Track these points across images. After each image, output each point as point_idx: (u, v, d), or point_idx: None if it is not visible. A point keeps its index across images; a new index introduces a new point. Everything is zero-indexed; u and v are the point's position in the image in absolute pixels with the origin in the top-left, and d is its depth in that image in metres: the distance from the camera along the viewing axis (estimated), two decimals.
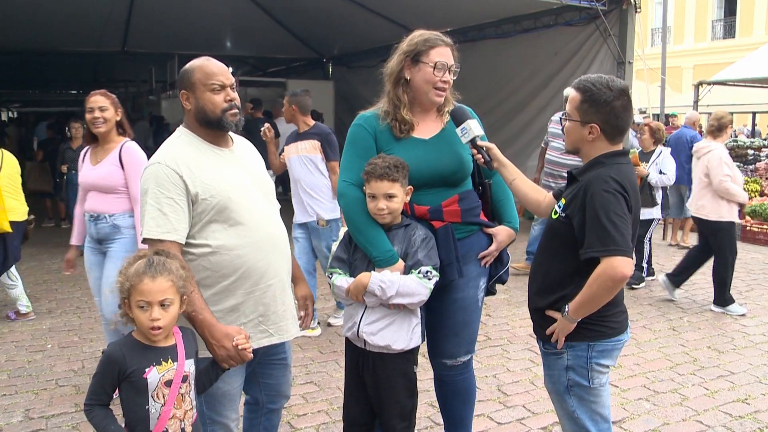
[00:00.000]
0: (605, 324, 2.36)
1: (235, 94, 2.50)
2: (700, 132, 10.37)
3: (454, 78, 2.78)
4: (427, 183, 2.69)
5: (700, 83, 13.48)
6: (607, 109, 2.30)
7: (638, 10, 9.29)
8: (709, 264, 6.71)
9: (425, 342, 2.91)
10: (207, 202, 2.36)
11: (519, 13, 10.40)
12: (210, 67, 2.45)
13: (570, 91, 2.38)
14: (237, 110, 2.50)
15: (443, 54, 2.71)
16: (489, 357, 4.76)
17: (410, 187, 2.64)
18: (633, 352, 4.86)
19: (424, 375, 3.77)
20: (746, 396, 4.12)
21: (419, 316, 2.70)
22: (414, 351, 2.72)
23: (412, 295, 2.56)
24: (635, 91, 10.71)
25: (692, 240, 8.88)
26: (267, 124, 5.41)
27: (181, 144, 2.46)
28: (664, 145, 7.81)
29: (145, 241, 2.35)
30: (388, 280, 2.53)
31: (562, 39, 10.02)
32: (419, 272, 2.57)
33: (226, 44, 16.62)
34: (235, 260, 2.40)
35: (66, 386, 4.26)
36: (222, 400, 2.49)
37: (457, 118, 2.67)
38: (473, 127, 2.61)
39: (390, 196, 2.58)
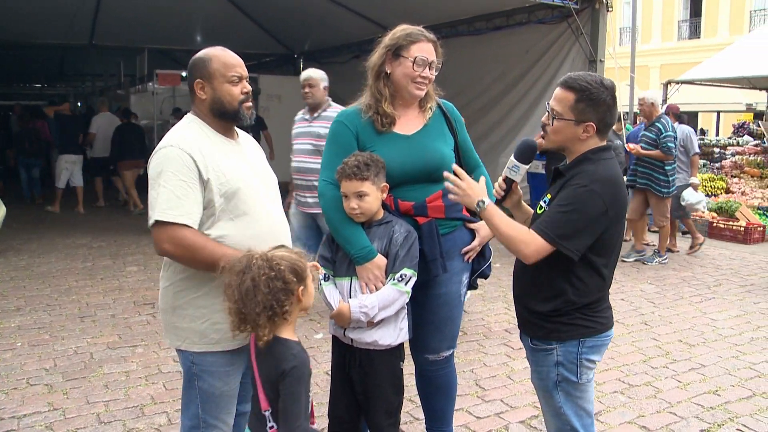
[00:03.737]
0: (595, 319, 2.38)
1: (249, 87, 2.49)
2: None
3: (436, 74, 2.78)
4: (411, 179, 2.70)
5: (669, 82, 13.71)
6: (604, 108, 2.30)
7: (610, 9, 9.40)
8: (680, 260, 6.87)
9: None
10: (218, 189, 2.33)
11: (492, 11, 10.45)
12: (229, 58, 2.43)
13: (558, 91, 2.36)
14: (251, 103, 2.49)
15: (424, 49, 2.71)
16: (466, 352, 4.79)
17: (385, 184, 2.64)
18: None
19: (408, 367, 3.77)
20: (717, 387, 4.21)
21: (406, 310, 2.70)
22: (401, 347, 2.73)
23: (392, 304, 2.59)
24: None
25: (681, 243, 8.97)
26: None
27: (192, 130, 2.42)
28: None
29: (156, 224, 2.28)
30: (368, 304, 2.55)
31: (533, 37, 10.08)
32: (394, 279, 2.59)
33: (197, 38, 16.41)
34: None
35: (38, 385, 4.18)
36: (219, 401, 2.45)
37: (522, 153, 2.47)
38: (521, 172, 2.49)
39: (361, 195, 2.58)
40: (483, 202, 2.33)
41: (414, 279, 2.61)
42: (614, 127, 9.97)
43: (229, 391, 2.49)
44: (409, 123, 2.80)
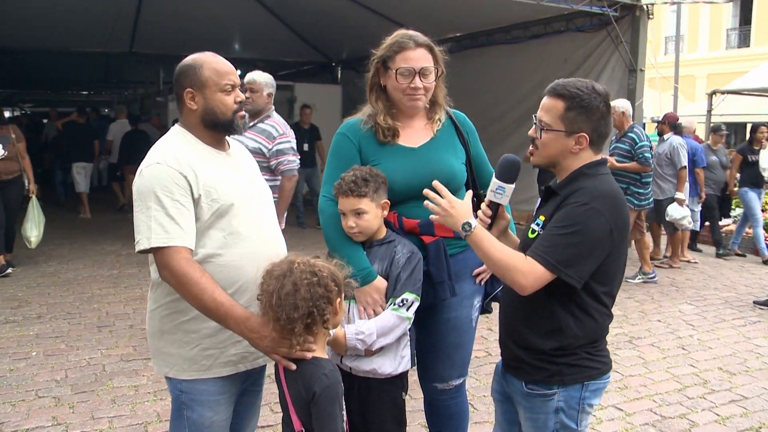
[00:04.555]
0: (600, 359, 2.13)
1: (243, 95, 2.33)
2: (698, 140, 10.10)
3: (435, 80, 2.56)
4: (416, 195, 2.46)
5: (714, 92, 13.22)
6: (597, 116, 2.05)
7: (650, 16, 9.08)
8: (721, 279, 6.52)
9: (417, 362, 2.73)
10: (208, 206, 2.17)
11: (529, 19, 10.23)
12: (221, 65, 2.27)
13: (545, 100, 2.12)
14: (245, 112, 2.34)
15: (410, 58, 2.50)
16: (489, 375, 4.55)
17: (386, 201, 2.45)
18: (640, 372, 4.64)
19: (418, 392, 3.57)
20: (760, 424, 3.89)
21: (409, 337, 2.50)
22: (403, 376, 2.53)
23: (392, 331, 2.39)
24: (647, 100, 10.51)
25: (691, 254, 8.69)
26: None
27: (179, 144, 2.26)
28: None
29: (150, 251, 2.12)
30: (365, 331, 2.36)
31: (572, 45, 9.82)
32: (394, 304, 2.40)
33: (235, 46, 16.51)
34: (232, 272, 2.20)
35: (46, 397, 4.09)
36: None
37: (505, 172, 2.20)
38: (507, 194, 2.20)
39: (359, 213, 2.40)
40: (469, 224, 2.04)
41: (416, 304, 2.41)
42: (709, 142, 9.66)
43: (221, 422, 2.32)
44: (415, 134, 2.61)
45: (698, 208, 8.87)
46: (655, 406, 4.09)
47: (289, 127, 4.78)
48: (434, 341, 2.68)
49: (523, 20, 10.35)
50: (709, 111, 12.80)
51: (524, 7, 8.91)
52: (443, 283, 2.53)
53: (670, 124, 8.17)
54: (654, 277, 7.44)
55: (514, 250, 2.05)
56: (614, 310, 5.60)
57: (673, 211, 7.75)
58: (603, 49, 9.45)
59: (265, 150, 4.57)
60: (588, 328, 2.07)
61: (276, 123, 4.66)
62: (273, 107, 4.82)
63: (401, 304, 2.37)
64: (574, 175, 2.10)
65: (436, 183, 2.13)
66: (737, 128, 20.91)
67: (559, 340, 2.07)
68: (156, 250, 2.11)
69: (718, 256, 9.01)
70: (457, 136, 2.68)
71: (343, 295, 2.06)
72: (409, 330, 2.48)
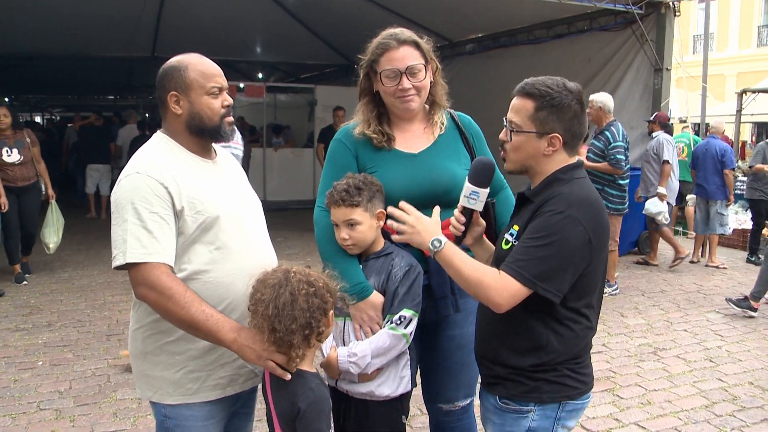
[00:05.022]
0: (582, 378, 1.97)
1: (230, 99, 2.18)
2: (727, 141, 9.79)
3: (426, 77, 2.38)
4: (417, 203, 2.28)
5: (744, 91, 12.85)
6: (570, 115, 1.91)
7: (677, 14, 8.81)
8: (752, 286, 6.23)
9: (419, 384, 2.56)
10: (193, 219, 2.02)
11: (552, 18, 10.04)
12: (208, 67, 2.13)
13: (514, 100, 1.97)
14: (232, 117, 2.20)
15: (393, 58, 2.34)
16: None
17: (381, 211, 2.29)
18: (664, 386, 4.41)
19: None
20: None
21: (408, 356, 2.33)
22: (402, 398, 2.35)
23: (388, 352, 2.23)
24: (673, 99, 10.21)
25: (721, 258, 8.42)
26: None
27: (161, 152, 2.11)
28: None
29: (130, 266, 1.96)
30: (358, 352, 2.20)
31: (596, 45, 9.60)
32: (390, 322, 2.23)
33: (257, 50, 16.52)
34: (220, 289, 2.05)
35: (47, 410, 3.98)
36: None
37: (478, 175, 2.07)
38: (481, 198, 2.08)
39: (352, 224, 2.24)
40: (439, 241, 1.93)
41: (415, 321, 2.24)
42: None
43: None
44: (414, 139, 2.44)
45: (727, 212, 8.55)
46: (681, 424, 3.86)
47: (234, 130, 4.53)
48: (438, 360, 2.51)
49: (545, 20, 10.19)
50: (739, 111, 12.46)
51: (547, 7, 8.73)
52: (446, 298, 2.36)
53: (660, 123, 8.17)
54: (616, 290, 6.91)
55: (487, 266, 1.92)
56: (638, 318, 5.37)
57: (651, 206, 7.64)
58: (627, 49, 9.23)
59: None
60: (569, 343, 1.92)
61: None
62: None
63: (399, 322, 2.21)
64: (548, 181, 1.95)
65: (402, 203, 2.04)
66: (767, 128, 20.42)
67: (539, 356, 1.92)
68: (132, 266, 1.96)
69: (748, 261, 8.69)
70: (462, 141, 2.51)
71: (331, 309, 1.96)
72: (410, 349, 2.31)
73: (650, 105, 9.11)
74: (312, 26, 13.51)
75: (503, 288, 1.82)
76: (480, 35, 11.87)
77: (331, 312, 1.94)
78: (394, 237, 2.03)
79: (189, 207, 2.03)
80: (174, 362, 2.09)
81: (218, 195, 2.11)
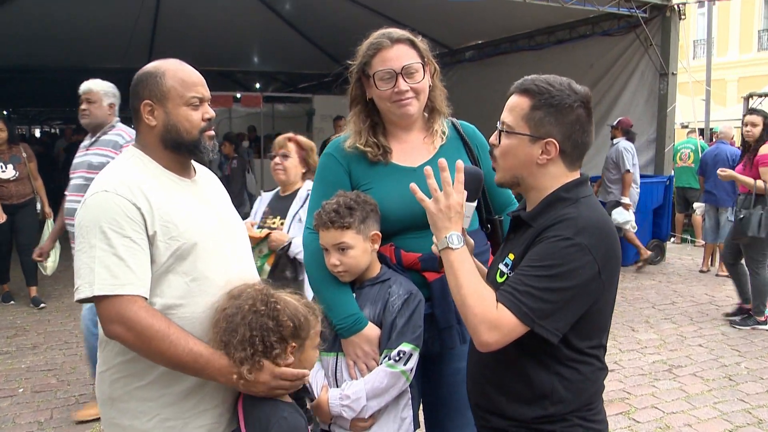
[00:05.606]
0: (594, 427, 1.69)
1: (212, 112, 1.94)
2: (735, 146, 9.54)
3: (424, 79, 2.14)
4: (417, 224, 2.05)
5: (750, 95, 12.60)
6: (571, 118, 1.62)
7: (682, 17, 8.59)
8: None
9: (423, 420, 2.32)
10: (166, 245, 1.78)
11: (554, 24, 9.84)
12: (188, 74, 1.90)
13: (510, 98, 1.70)
14: (213, 132, 1.95)
15: (387, 58, 2.11)
16: None
17: (376, 233, 2.05)
18: (682, 408, 4.15)
19: None
20: None
21: (410, 395, 2.08)
22: None
23: (386, 392, 1.99)
24: (678, 105, 9.98)
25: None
26: None
27: (132, 168, 1.87)
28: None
29: (97, 299, 1.72)
30: (352, 394, 1.97)
31: (598, 50, 9.39)
32: (388, 358, 1.98)
33: (254, 60, 16.35)
34: (196, 326, 1.81)
35: None
36: None
37: (466, 186, 1.77)
38: (467, 213, 1.80)
39: (343, 248, 2.00)
40: (458, 237, 1.64)
41: (416, 357, 2.00)
42: None
43: None
44: (413, 151, 2.19)
45: None
46: None
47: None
48: (443, 396, 2.26)
49: (547, 25, 9.98)
50: (745, 115, 12.20)
51: (548, 12, 8.53)
52: (451, 328, 2.12)
53: (622, 129, 8.10)
54: None
55: (490, 290, 1.61)
56: (650, 333, 5.05)
57: (617, 216, 7.68)
58: (632, 53, 9.03)
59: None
60: (578, 388, 1.64)
61: (123, 131, 3.99)
62: (118, 119, 4.15)
63: (397, 358, 1.96)
64: (549, 201, 1.66)
65: (458, 163, 1.71)
66: None
67: (544, 407, 1.64)
68: (100, 300, 1.72)
69: None
70: (465, 152, 2.26)
71: (309, 345, 1.77)
72: (411, 386, 2.06)
73: (656, 110, 8.88)
74: (309, 35, 13.34)
75: (497, 324, 1.54)
76: (480, 42, 11.67)
77: (293, 344, 1.73)
78: (418, 196, 1.72)
79: (162, 232, 1.79)
80: (145, 410, 1.83)
81: (196, 219, 1.87)
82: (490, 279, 1.74)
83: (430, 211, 1.68)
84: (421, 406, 2.28)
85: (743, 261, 6.01)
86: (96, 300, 1.72)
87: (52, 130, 30.56)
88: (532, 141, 1.63)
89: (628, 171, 7.70)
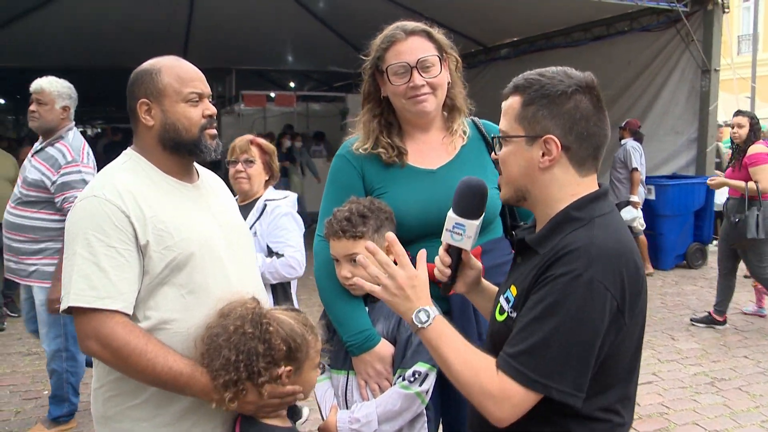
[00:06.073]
0: None
1: (213, 108, 1.84)
2: None
3: (436, 74, 1.98)
4: (437, 231, 1.89)
5: None
6: (569, 106, 1.37)
7: (726, 10, 8.26)
8: None
9: None
10: (160, 256, 1.68)
11: (591, 20, 9.59)
12: (185, 70, 1.80)
13: (504, 102, 1.47)
14: (216, 130, 1.84)
15: (401, 51, 1.97)
16: None
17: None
18: (727, 426, 3.91)
19: None
20: None
21: (426, 418, 1.94)
22: None
23: (400, 415, 1.85)
24: (721, 103, 9.64)
25: None
26: None
27: (126, 172, 1.78)
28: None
29: (71, 311, 1.64)
30: (362, 417, 1.83)
31: (637, 46, 9.11)
32: (402, 378, 1.84)
33: (288, 59, 16.35)
34: (191, 342, 1.70)
35: None
36: None
37: (465, 203, 1.57)
38: (469, 233, 1.55)
39: (355, 260, 1.86)
40: (426, 314, 1.39)
41: (433, 377, 1.85)
42: None
43: None
44: (431, 152, 2.05)
45: None
46: None
47: (87, 151, 3.75)
48: (464, 415, 2.10)
49: (584, 21, 9.73)
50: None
51: (585, 7, 8.31)
52: None
53: (630, 129, 8.05)
54: None
55: (484, 356, 1.36)
56: (691, 342, 4.76)
57: (625, 213, 7.67)
58: (672, 49, 8.73)
59: (48, 182, 3.57)
60: None
61: (67, 147, 3.64)
62: (72, 124, 3.81)
63: (412, 379, 1.82)
64: (557, 221, 1.39)
65: (389, 235, 1.50)
66: None
67: None
68: (77, 312, 1.62)
69: None
70: (488, 153, 2.10)
71: (307, 367, 1.64)
72: (426, 408, 1.91)
73: (697, 109, 8.57)
74: (343, 33, 13.26)
75: (503, 396, 1.29)
76: (515, 39, 11.46)
77: (287, 368, 1.60)
78: (366, 287, 1.49)
79: (156, 241, 1.68)
80: (139, 431, 1.73)
81: (194, 227, 1.76)
82: (491, 316, 1.52)
83: (385, 299, 1.46)
84: (440, 429, 2.13)
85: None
86: (74, 312, 1.63)
87: (95, 130, 31.10)
88: (529, 142, 1.40)
89: (636, 169, 7.70)
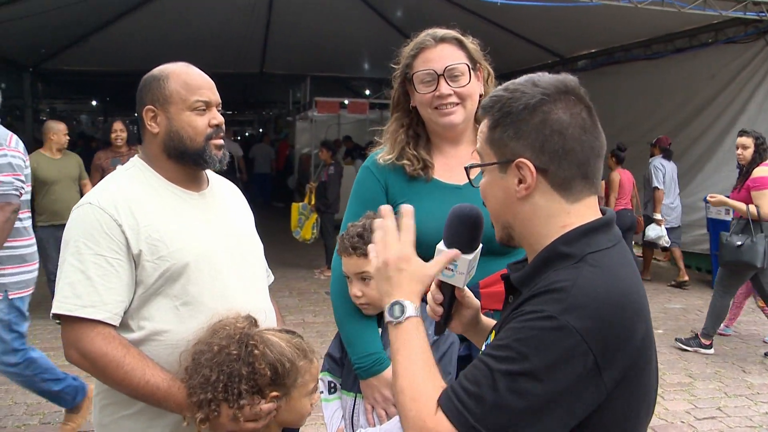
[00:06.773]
0: None
1: (221, 117, 1.82)
2: None
3: (465, 84, 1.90)
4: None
5: None
6: (536, 121, 1.16)
7: None
8: None
9: None
10: (153, 266, 1.67)
11: (672, 31, 9.20)
12: (193, 77, 1.80)
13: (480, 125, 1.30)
14: (222, 140, 1.82)
15: (429, 59, 1.90)
16: None
17: None
18: None
19: None
20: None
21: None
22: None
23: None
24: None
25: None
26: None
27: (129, 181, 1.78)
28: None
29: (57, 318, 1.66)
30: None
31: (721, 59, 8.65)
32: None
33: (364, 66, 16.48)
34: (184, 354, 1.69)
35: None
36: None
37: (456, 234, 1.35)
38: (461, 269, 1.34)
39: (365, 278, 1.79)
40: (402, 308, 1.20)
41: None
42: None
43: None
44: (460, 167, 1.94)
45: None
46: None
47: (14, 138, 3.55)
48: None
49: (665, 32, 9.34)
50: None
51: (666, 18, 7.96)
52: None
53: (660, 147, 8.23)
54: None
55: (436, 385, 1.15)
56: (765, 377, 4.42)
57: (650, 232, 8.07)
58: (759, 62, 8.26)
59: None
60: None
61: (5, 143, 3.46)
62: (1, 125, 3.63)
63: None
64: (543, 257, 1.18)
65: (405, 207, 1.31)
66: None
67: None
68: (62, 320, 1.62)
69: None
70: None
71: (293, 391, 1.57)
72: None
73: None
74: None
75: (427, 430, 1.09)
76: (594, 50, 11.15)
77: (277, 394, 1.55)
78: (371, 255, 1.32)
79: (149, 251, 1.66)
80: None
81: (191, 237, 1.73)
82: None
83: (372, 272, 1.32)
84: None
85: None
86: (60, 320, 1.64)
87: None
88: (502, 169, 1.21)
89: (657, 188, 7.96)
